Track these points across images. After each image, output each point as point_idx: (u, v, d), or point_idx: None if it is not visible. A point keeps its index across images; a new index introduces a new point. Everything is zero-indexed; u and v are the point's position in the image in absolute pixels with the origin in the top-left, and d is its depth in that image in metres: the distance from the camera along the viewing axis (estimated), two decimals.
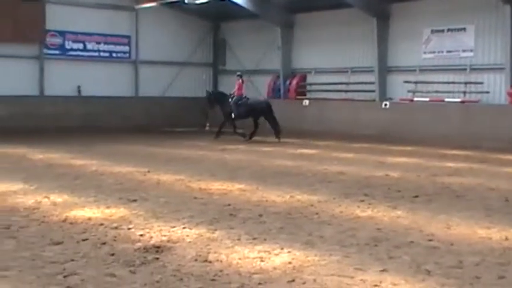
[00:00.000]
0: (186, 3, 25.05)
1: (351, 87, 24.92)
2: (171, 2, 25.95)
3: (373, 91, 23.68)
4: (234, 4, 25.06)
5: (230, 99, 21.31)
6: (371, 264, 5.73)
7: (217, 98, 21.99)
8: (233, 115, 21.19)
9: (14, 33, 24.54)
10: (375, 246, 6.46)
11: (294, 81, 26.56)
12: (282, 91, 26.72)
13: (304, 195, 9.56)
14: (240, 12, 26.19)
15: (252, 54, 28.18)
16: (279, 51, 26.65)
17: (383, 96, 23.41)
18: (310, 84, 26.64)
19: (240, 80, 21.65)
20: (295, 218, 7.88)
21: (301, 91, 26.66)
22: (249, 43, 28.42)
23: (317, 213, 8.17)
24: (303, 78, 26.82)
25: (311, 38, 25.88)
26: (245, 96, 21.47)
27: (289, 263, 5.76)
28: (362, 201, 9.15)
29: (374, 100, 23.57)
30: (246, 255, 6.04)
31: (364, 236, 6.87)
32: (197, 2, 24.86)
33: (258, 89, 28.04)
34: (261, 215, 8.01)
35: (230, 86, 29.67)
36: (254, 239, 6.70)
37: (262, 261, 5.84)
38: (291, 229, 7.22)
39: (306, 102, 25.69)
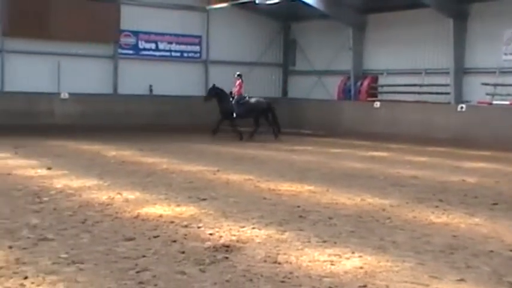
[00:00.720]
0: (257, 4, 25.12)
1: (424, 89, 24.33)
2: (242, 3, 26.08)
3: (448, 93, 23.03)
4: (305, 4, 24.93)
5: (231, 98, 21.24)
6: (447, 273, 5.51)
7: (218, 93, 21.57)
8: (234, 114, 21.12)
9: (90, 33, 25.27)
10: (451, 254, 6.22)
11: (365, 83, 26.18)
12: (352, 92, 26.39)
13: (376, 199, 9.35)
14: (310, 13, 26.03)
15: (323, 54, 27.96)
16: (350, 52, 26.33)
17: (459, 98, 22.71)
18: (382, 85, 26.19)
19: (240, 80, 21.57)
20: (366, 222, 7.70)
21: (373, 93, 26.26)
22: (319, 44, 28.21)
23: (389, 218, 7.97)
24: (375, 79, 26.40)
25: (383, 39, 25.44)
26: (246, 96, 21.43)
27: (361, 267, 5.62)
28: (436, 206, 8.86)
29: (449, 103, 22.92)
30: (316, 258, 5.94)
31: (439, 243, 6.63)
32: (268, 2, 24.88)
33: (328, 90, 27.81)
34: (331, 218, 7.88)
35: (300, 86, 29.68)
36: (324, 241, 6.59)
37: (332, 264, 5.73)
38: (362, 233, 7.06)
39: (377, 104, 25.27)
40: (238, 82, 21.62)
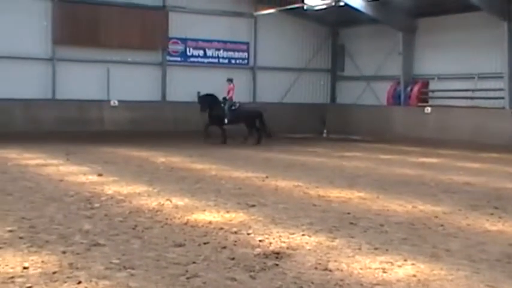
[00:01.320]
0: (305, 10, 25.08)
1: (477, 94, 23.81)
2: (290, 9, 26.06)
3: (502, 98, 22.46)
4: (353, 9, 24.76)
5: (222, 104, 20.99)
6: (504, 282, 5.34)
7: (208, 100, 21.24)
8: (226, 120, 20.90)
9: (139, 40, 25.71)
10: (508, 263, 6.01)
11: (416, 88, 25.79)
12: (402, 98, 26.02)
13: (428, 206, 9.15)
14: (359, 18, 25.82)
15: (372, 60, 27.69)
16: (399, 57, 25.97)
17: None
18: (433, 90, 25.76)
19: (232, 84, 21.36)
20: (419, 229, 7.54)
21: (423, 98, 25.85)
22: (368, 49, 27.96)
23: (442, 225, 7.78)
24: (425, 84, 25.98)
25: (435, 43, 25.01)
26: (236, 102, 21.25)
27: (414, 275, 5.50)
28: (491, 214, 8.61)
29: (503, 108, 22.35)
30: (368, 265, 5.85)
31: (495, 251, 6.43)
32: (316, 8, 24.81)
33: (377, 96, 27.51)
34: (382, 225, 7.74)
35: (349, 92, 29.47)
36: (376, 249, 6.48)
37: (384, 272, 5.62)
38: (415, 240, 6.90)
39: (428, 109, 24.85)
40: (230, 87, 21.44)
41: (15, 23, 23.60)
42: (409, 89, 25.90)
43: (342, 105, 29.08)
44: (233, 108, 21.04)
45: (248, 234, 7.10)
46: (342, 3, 24.22)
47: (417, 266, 5.80)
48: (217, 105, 21.05)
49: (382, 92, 27.08)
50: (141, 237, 6.86)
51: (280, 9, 26.72)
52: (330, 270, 5.67)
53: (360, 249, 6.47)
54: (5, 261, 5.74)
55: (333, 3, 24.30)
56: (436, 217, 8.31)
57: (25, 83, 23.40)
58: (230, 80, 21.65)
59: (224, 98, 21.23)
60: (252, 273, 5.55)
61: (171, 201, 9.16)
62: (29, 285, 5.09)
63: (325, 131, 26.45)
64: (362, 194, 10.15)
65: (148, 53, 26.38)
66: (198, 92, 21.99)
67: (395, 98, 26.45)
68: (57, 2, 24.36)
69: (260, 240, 6.79)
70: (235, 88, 21.61)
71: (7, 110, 23.32)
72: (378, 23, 25.76)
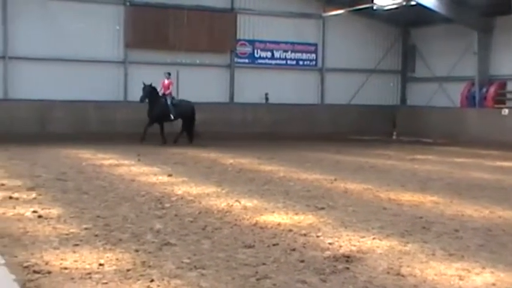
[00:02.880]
0: (374, 10, 24.71)
1: None
2: (359, 9, 25.74)
3: None
4: (425, 9, 24.15)
5: (163, 99, 20.31)
6: None
7: (150, 93, 20.24)
8: (172, 116, 20.29)
9: (207, 43, 26.00)
10: None
11: (492, 89, 24.93)
12: (477, 99, 25.20)
13: (507, 212, 8.78)
14: (431, 17, 25.18)
15: (444, 60, 26.96)
16: (474, 57, 25.17)
17: None
18: (511, 92, 24.82)
19: (170, 79, 20.78)
20: (497, 236, 7.24)
21: (500, 99, 24.96)
22: (440, 49, 27.23)
23: None
24: (503, 85, 25.07)
25: None
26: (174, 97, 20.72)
27: (493, 284, 5.30)
28: None
29: None
30: (443, 271, 5.67)
31: None
32: (386, 8, 24.39)
33: (451, 97, 26.77)
34: (457, 230, 7.48)
35: (420, 94, 28.83)
36: (451, 255, 6.27)
37: (461, 279, 5.43)
38: (493, 247, 6.64)
39: (506, 111, 23.96)
40: (168, 81, 20.91)
41: (90, 27, 24.30)
42: (484, 90, 25.06)
43: (412, 107, 28.47)
44: (174, 103, 20.56)
45: (317, 236, 7.03)
46: (413, 3, 23.68)
47: (496, 274, 5.58)
48: (159, 100, 20.37)
49: (455, 93, 26.33)
50: (211, 238, 6.90)
51: (349, 10, 26.43)
52: (403, 276, 5.54)
53: (433, 254, 6.29)
54: (82, 258, 5.91)
55: (404, 3, 23.79)
56: None
57: (98, 85, 24.06)
58: (168, 74, 21.12)
59: (164, 94, 20.67)
60: (322, 276, 5.49)
61: (239, 203, 9.18)
62: (104, 281, 5.22)
63: (395, 133, 25.99)
64: (435, 198, 9.87)
65: (216, 55, 26.64)
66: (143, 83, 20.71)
67: (470, 100, 25.64)
68: (129, 7, 24.95)
69: (330, 243, 6.71)
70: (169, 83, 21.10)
71: (81, 112, 24.07)
72: (451, 22, 25.04)
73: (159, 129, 20.69)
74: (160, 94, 20.84)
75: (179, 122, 21.24)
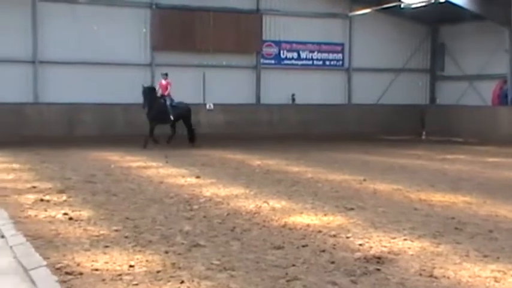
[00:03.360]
0: (402, 8, 24.46)
1: None
2: (386, 8, 25.51)
3: None
4: (454, 6, 23.81)
5: (163, 100, 19.73)
6: None
7: (150, 95, 19.59)
8: (172, 118, 19.72)
9: (234, 44, 26.02)
10: None
11: None
12: (510, 98, 24.73)
13: None
14: (461, 14, 24.80)
15: (474, 58, 26.54)
16: (506, 55, 24.71)
17: None
18: None
19: (168, 80, 20.17)
20: None
21: None
22: (471, 47, 26.81)
23: None
24: None
25: None
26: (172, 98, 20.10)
27: None
28: None
29: None
30: (477, 273, 5.58)
31: None
32: (414, 6, 24.12)
33: (481, 96, 26.36)
34: (491, 231, 7.34)
35: (449, 92, 28.46)
36: (485, 256, 6.16)
37: (496, 281, 5.34)
38: None
39: None
40: (166, 82, 20.36)
41: (117, 31, 24.50)
42: None
43: (442, 106, 28.09)
44: (173, 104, 20.05)
45: (347, 237, 6.98)
46: (442, 0, 23.38)
47: None
48: (158, 101, 19.84)
49: (486, 91, 25.89)
50: (240, 239, 6.88)
51: (376, 9, 26.22)
52: (436, 277, 5.46)
53: (467, 256, 6.18)
54: (113, 259, 5.94)
55: (432, 1, 23.50)
56: None
57: (126, 88, 24.20)
58: (166, 75, 20.57)
59: (162, 95, 20.14)
60: (353, 278, 5.44)
61: (268, 204, 9.15)
62: (135, 283, 5.24)
63: (424, 132, 25.69)
64: (467, 198, 9.71)
65: (242, 57, 26.64)
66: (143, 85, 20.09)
67: (502, 98, 25.17)
68: (155, 9, 25.10)
69: (360, 244, 6.65)
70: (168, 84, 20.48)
71: (109, 114, 24.26)
72: (481, 19, 24.63)
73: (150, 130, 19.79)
74: (158, 95, 20.39)
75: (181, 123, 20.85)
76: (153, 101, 19.68)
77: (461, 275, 5.51)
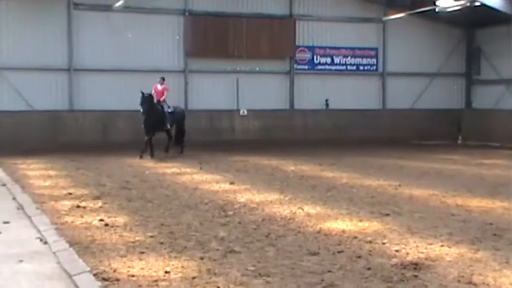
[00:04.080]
0: (436, 12, 24.16)
1: None
2: (421, 12, 25.23)
3: None
4: (490, 9, 23.45)
5: (160, 107, 18.69)
6: None
7: (149, 103, 18.28)
8: (168, 126, 18.83)
9: (267, 50, 26.03)
10: None
11: None
12: None
13: None
14: (497, 18, 24.38)
15: (511, 61, 26.05)
16: None
17: None
18: None
19: (164, 85, 19.28)
20: None
21: None
22: (507, 50, 26.32)
23: None
24: None
25: None
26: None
27: None
28: None
29: None
30: None
31: None
32: (449, 9, 23.80)
33: None
34: None
35: (486, 97, 27.97)
36: None
37: None
38: None
39: None
40: (162, 87, 19.37)
41: (151, 38, 24.74)
42: None
43: (478, 110, 27.63)
44: (170, 111, 19.15)
45: (383, 243, 6.90)
46: (477, 3, 23.02)
47: None
48: (157, 108, 18.72)
49: None
50: (275, 245, 6.85)
51: (410, 13, 25.95)
52: (475, 284, 5.37)
53: (507, 262, 6.06)
54: (149, 265, 5.97)
55: (468, 4, 23.15)
56: None
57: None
58: (162, 79, 19.55)
59: (158, 101, 19.03)
60: (390, 284, 5.38)
61: (303, 210, 9.11)
62: None
63: (460, 137, 25.30)
64: (505, 204, 9.53)
65: (276, 62, 26.63)
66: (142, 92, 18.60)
67: None
68: (188, 16, 25.27)
69: (396, 250, 6.57)
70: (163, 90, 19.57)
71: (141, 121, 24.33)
72: None
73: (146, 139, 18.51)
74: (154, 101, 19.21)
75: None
76: (151, 110, 18.36)
77: (501, 282, 5.40)
